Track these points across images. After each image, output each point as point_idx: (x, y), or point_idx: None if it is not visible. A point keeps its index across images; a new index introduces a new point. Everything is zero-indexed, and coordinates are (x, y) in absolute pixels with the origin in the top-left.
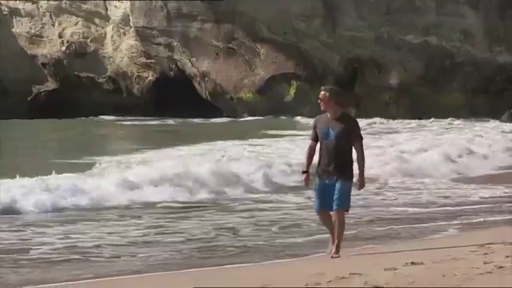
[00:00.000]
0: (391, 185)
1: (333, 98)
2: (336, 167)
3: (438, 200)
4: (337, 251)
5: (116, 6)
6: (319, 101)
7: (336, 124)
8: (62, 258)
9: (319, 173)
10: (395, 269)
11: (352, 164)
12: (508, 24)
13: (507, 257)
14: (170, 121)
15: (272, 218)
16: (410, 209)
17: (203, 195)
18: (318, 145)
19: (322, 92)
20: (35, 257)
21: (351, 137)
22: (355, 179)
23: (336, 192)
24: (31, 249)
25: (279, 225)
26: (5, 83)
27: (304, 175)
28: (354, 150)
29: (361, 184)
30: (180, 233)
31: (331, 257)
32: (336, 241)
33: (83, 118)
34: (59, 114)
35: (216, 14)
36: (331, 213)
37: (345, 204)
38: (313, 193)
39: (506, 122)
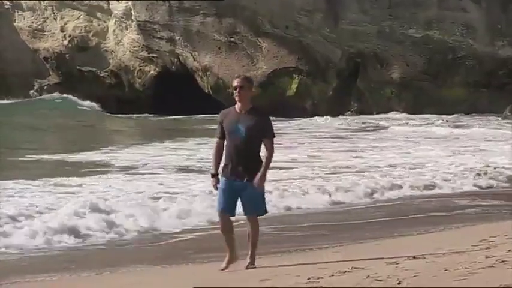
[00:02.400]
0: None
1: (250, 87)
2: (246, 166)
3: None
4: (253, 261)
5: (117, 1)
6: (235, 90)
7: (247, 118)
8: None
9: (225, 172)
10: (397, 263)
11: (261, 162)
12: (510, 18)
13: (509, 251)
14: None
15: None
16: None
17: None
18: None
19: (240, 79)
20: None
21: (261, 133)
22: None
23: (249, 197)
24: None
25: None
26: (7, 77)
27: (213, 179)
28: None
29: (261, 181)
30: None
31: (246, 268)
32: (251, 250)
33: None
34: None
35: (218, 8)
36: (248, 219)
37: (261, 208)
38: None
39: (508, 116)
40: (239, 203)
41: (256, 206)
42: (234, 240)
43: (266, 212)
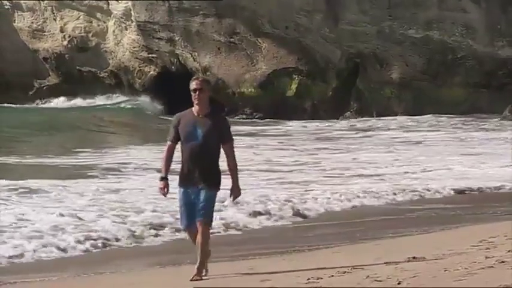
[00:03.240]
0: None
1: (208, 91)
2: (202, 173)
3: None
4: (200, 272)
5: (117, 1)
6: (193, 92)
7: (205, 122)
8: None
9: (181, 179)
10: (397, 264)
11: (219, 169)
12: (510, 19)
13: (509, 251)
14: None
15: None
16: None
17: None
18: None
19: (198, 82)
20: None
21: (220, 137)
22: (226, 186)
23: (200, 202)
24: None
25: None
26: (7, 77)
27: (162, 182)
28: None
29: (236, 194)
30: None
31: (191, 280)
32: (199, 259)
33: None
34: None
35: (218, 9)
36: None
37: (208, 216)
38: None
39: (508, 116)
40: None
41: (207, 213)
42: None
43: (211, 222)
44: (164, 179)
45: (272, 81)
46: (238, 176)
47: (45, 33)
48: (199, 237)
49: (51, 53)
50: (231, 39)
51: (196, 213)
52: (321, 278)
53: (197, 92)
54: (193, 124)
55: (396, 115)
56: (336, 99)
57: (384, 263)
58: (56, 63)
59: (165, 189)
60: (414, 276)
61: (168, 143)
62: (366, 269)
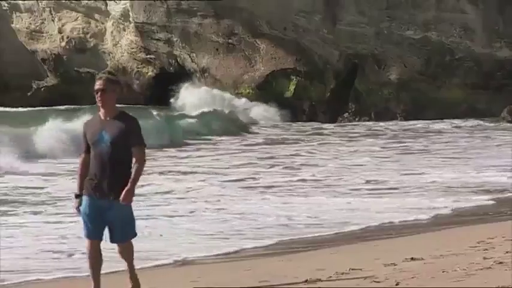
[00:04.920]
0: None
1: (115, 89)
2: (112, 182)
3: None
4: (137, 284)
5: (115, 2)
6: (96, 94)
7: (113, 125)
8: None
9: (87, 189)
10: (395, 265)
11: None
12: (507, 20)
13: (507, 252)
14: None
15: None
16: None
17: None
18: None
19: (101, 81)
20: None
21: (129, 141)
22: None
23: (116, 219)
24: None
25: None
26: (5, 78)
27: (77, 201)
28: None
29: (127, 196)
30: None
31: None
32: (130, 274)
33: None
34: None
35: (216, 10)
36: (118, 245)
37: (131, 232)
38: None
39: (506, 117)
40: None
41: (125, 230)
42: (100, 271)
43: (136, 234)
44: (79, 196)
45: (270, 82)
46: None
47: (43, 35)
48: (124, 253)
49: (49, 54)
50: (229, 40)
51: (115, 234)
52: (319, 279)
53: (99, 93)
54: (100, 129)
55: (395, 116)
56: (334, 100)
57: (382, 263)
58: (54, 65)
59: (79, 207)
60: (412, 277)
61: (82, 155)
62: (364, 269)
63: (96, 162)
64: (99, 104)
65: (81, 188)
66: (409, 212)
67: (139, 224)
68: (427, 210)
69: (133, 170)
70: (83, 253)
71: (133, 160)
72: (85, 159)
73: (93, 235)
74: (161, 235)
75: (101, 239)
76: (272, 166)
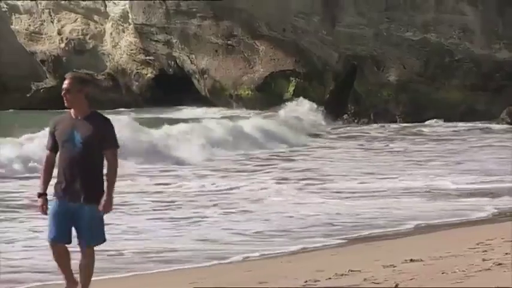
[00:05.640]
0: None
1: (82, 89)
2: (83, 184)
3: None
4: None
5: (114, 3)
6: (63, 93)
7: (84, 125)
8: None
9: (57, 191)
10: (394, 266)
11: (103, 181)
12: (507, 21)
13: (506, 254)
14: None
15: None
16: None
17: None
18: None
19: (67, 81)
20: None
21: (102, 143)
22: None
23: (86, 223)
24: None
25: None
26: (4, 80)
27: (41, 199)
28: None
29: (107, 205)
30: None
31: None
32: (82, 283)
33: None
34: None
35: (215, 11)
36: (81, 249)
37: (99, 237)
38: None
39: (505, 119)
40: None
41: (95, 234)
42: (71, 268)
43: (105, 240)
44: (42, 195)
45: (269, 84)
46: None
47: (42, 36)
48: (85, 260)
49: (49, 55)
50: (229, 42)
51: (82, 237)
52: (318, 281)
53: (64, 93)
54: (71, 128)
55: (394, 117)
56: (333, 102)
57: (382, 265)
58: (53, 66)
59: (44, 207)
60: (411, 279)
61: (47, 153)
62: (364, 271)
63: (66, 162)
64: (66, 105)
65: (45, 186)
66: None
67: None
68: None
69: (107, 175)
70: None
71: (106, 164)
72: (50, 157)
73: (59, 238)
74: None
75: (68, 242)
76: None
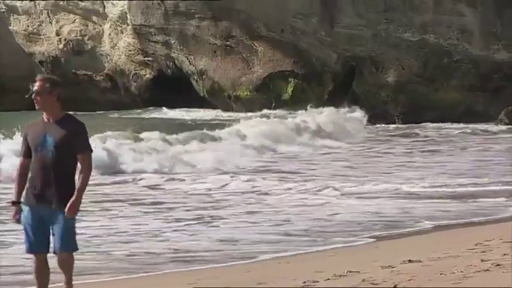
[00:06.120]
0: None
1: (53, 91)
2: (57, 189)
3: None
4: None
5: (113, 4)
6: (33, 96)
7: (57, 129)
8: None
9: (28, 198)
10: (393, 267)
11: (75, 185)
12: (505, 22)
13: (504, 254)
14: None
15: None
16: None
17: None
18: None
19: (37, 83)
20: None
21: (74, 147)
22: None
23: (59, 229)
24: None
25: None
26: (3, 81)
27: (16, 208)
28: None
29: (71, 209)
30: None
31: None
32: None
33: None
34: None
35: (214, 12)
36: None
37: (72, 244)
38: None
39: (504, 119)
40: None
41: (65, 241)
42: (48, 284)
43: (77, 249)
44: (16, 203)
45: (268, 85)
46: None
47: (40, 37)
48: (63, 266)
49: (47, 56)
50: (227, 43)
51: (56, 243)
52: (317, 281)
53: (34, 96)
54: (43, 132)
55: (392, 118)
56: (332, 103)
57: (380, 266)
58: (51, 67)
59: (18, 216)
60: (410, 280)
61: (20, 159)
62: (362, 272)
63: (38, 167)
64: (37, 107)
65: (19, 194)
66: None
67: None
68: None
69: (78, 179)
70: None
71: (79, 167)
72: (24, 164)
73: (38, 248)
74: None
75: (47, 251)
76: None
